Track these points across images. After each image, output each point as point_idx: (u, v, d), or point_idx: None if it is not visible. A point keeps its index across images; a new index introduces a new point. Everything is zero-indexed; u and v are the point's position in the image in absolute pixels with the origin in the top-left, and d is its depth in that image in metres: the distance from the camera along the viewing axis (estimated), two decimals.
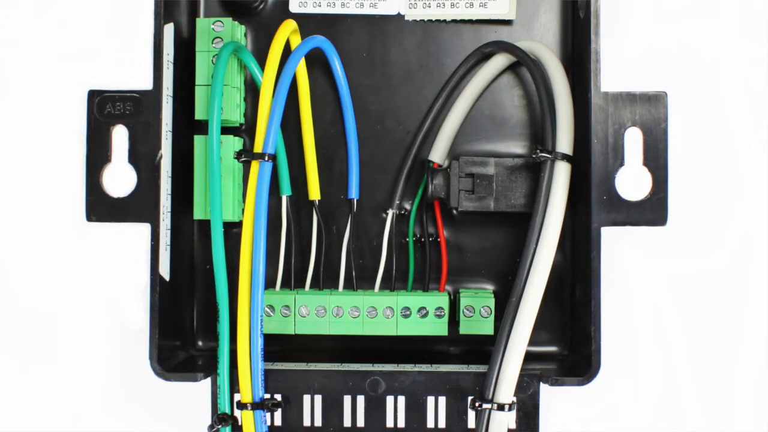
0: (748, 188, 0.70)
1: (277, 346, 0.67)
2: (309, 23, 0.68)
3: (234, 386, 0.63)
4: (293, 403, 0.64)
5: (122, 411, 0.71)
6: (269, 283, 0.66)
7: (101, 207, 0.65)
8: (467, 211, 0.65)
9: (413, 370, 0.64)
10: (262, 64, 0.64)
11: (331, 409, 0.64)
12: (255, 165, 0.62)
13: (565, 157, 0.63)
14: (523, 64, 0.66)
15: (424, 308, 0.66)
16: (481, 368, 0.64)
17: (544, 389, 0.64)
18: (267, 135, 0.62)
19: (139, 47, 0.68)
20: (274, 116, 0.62)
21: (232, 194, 0.66)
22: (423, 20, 0.68)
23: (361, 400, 0.64)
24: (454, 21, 0.68)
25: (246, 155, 0.63)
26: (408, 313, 0.66)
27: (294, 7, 0.68)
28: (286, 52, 0.64)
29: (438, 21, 0.68)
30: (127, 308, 0.71)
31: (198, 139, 0.66)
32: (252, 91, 0.68)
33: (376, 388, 0.64)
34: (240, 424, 0.63)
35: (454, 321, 0.67)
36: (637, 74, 0.69)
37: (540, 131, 0.66)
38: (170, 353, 0.65)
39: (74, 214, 0.69)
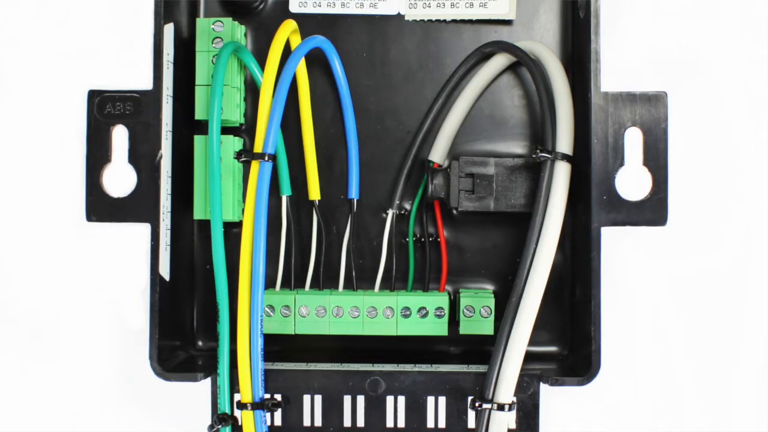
0: (748, 188, 0.70)
1: (277, 346, 0.67)
2: (309, 23, 0.68)
3: (234, 386, 0.63)
4: (293, 403, 0.64)
5: (122, 411, 0.71)
6: (269, 283, 0.66)
7: (101, 207, 0.65)
8: (467, 211, 0.65)
9: (413, 370, 0.64)
10: (262, 64, 0.64)
11: (331, 409, 0.64)
12: (255, 165, 0.62)
13: (565, 157, 0.63)
14: (523, 64, 0.66)
15: (424, 308, 0.66)
16: (481, 368, 0.64)
17: (544, 389, 0.64)
18: (267, 135, 0.62)
19: (139, 47, 0.68)
20: (274, 116, 0.62)
21: (232, 194, 0.66)
22: (423, 20, 0.68)
23: (361, 400, 0.64)
24: (454, 21, 0.68)
25: (246, 155, 0.63)
26: (408, 313, 0.66)
27: (294, 7, 0.68)
28: (286, 52, 0.64)
29: (438, 21, 0.68)
30: (128, 308, 0.71)
31: (198, 139, 0.66)
32: (252, 91, 0.68)
33: (376, 388, 0.64)
34: (240, 424, 0.63)
35: (454, 321, 0.67)
36: (637, 74, 0.69)
37: (540, 131, 0.66)
38: (170, 353, 0.65)
39: (74, 214, 0.69)
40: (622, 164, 0.64)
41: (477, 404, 0.62)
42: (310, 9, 0.68)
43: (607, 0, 0.65)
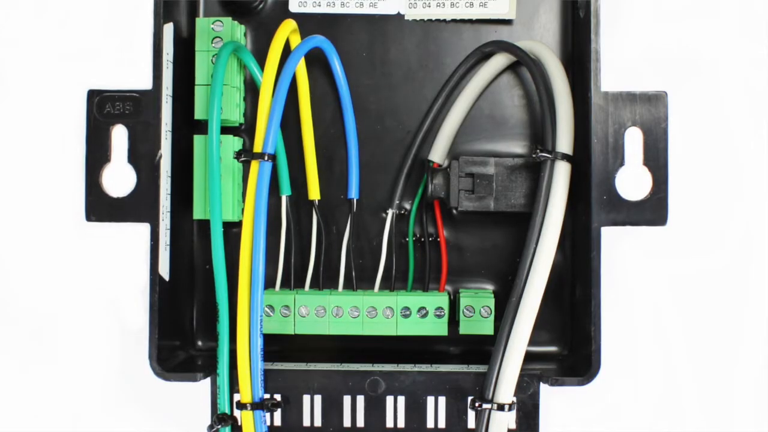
0: (748, 188, 0.70)
1: (276, 346, 0.67)
2: (309, 23, 0.68)
3: (234, 386, 0.63)
4: (293, 403, 0.64)
5: (122, 411, 0.71)
6: (269, 283, 0.66)
7: (101, 207, 0.65)
8: (467, 210, 0.65)
9: (413, 370, 0.64)
10: (261, 63, 0.64)
11: (331, 410, 0.64)
12: (255, 165, 0.62)
13: (565, 157, 0.63)
14: (523, 63, 0.66)
15: (423, 308, 0.66)
16: (481, 368, 0.64)
17: (544, 389, 0.64)
18: (267, 135, 0.62)
19: (139, 47, 0.68)
20: (273, 116, 0.62)
21: (232, 194, 0.66)
22: (423, 20, 0.68)
23: (360, 400, 0.64)
24: (454, 20, 0.68)
25: (246, 155, 0.63)
26: (408, 313, 0.66)
27: (294, 6, 0.68)
28: (286, 51, 0.64)
29: (438, 21, 0.68)
30: (127, 308, 0.71)
31: (198, 139, 0.66)
32: (252, 90, 0.68)
33: (375, 388, 0.64)
34: (240, 424, 0.63)
35: (453, 321, 0.67)
36: (637, 74, 0.69)
37: (540, 131, 0.66)
38: (170, 353, 0.65)
39: (74, 214, 0.69)
40: (622, 164, 0.64)
41: (477, 404, 0.62)
42: (309, 9, 0.68)
43: (607, 0, 0.65)
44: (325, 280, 0.67)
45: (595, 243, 0.63)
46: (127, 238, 0.70)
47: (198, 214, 0.66)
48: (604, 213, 0.63)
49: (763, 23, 0.70)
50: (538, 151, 0.63)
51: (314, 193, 0.67)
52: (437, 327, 0.66)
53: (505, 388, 0.62)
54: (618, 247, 0.69)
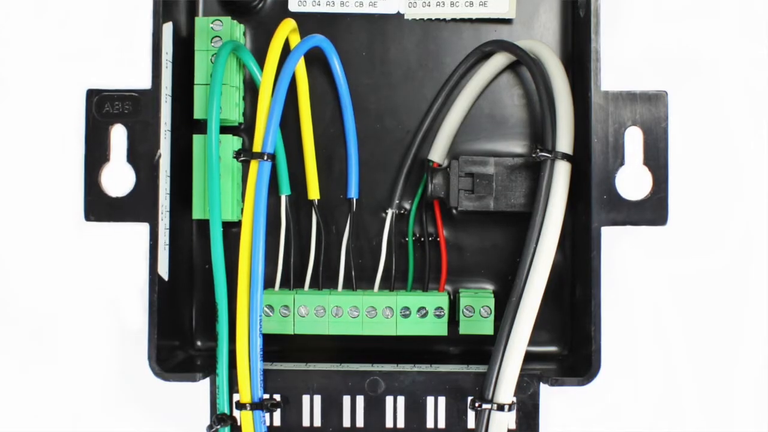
0: (748, 188, 0.70)
1: (276, 346, 0.67)
2: (308, 22, 0.68)
3: (233, 386, 0.63)
4: (292, 404, 0.64)
5: (121, 411, 0.71)
6: (268, 283, 0.66)
7: (100, 206, 0.65)
8: (467, 210, 0.65)
9: (413, 370, 0.64)
10: (261, 63, 0.64)
11: (331, 410, 0.64)
12: (254, 164, 0.62)
13: (565, 157, 0.63)
14: (523, 63, 0.66)
15: (423, 308, 0.66)
16: (481, 368, 0.64)
17: (544, 389, 0.64)
18: (266, 134, 0.62)
19: (138, 46, 0.68)
20: (273, 115, 0.62)
21: (231, 194, 0.65)
22: (423, 19, 0.68)
23: (360, 400, 0.64)
24: (453, 20, 0.68)
25: (245, 154, 0.63)
26: (407, 313, 0.66)
27: (293, 6, 0.68)
28: (286, 51, 0.64)
29: (438, 20, 0.68)
30: (127, 308, 0.70)
31: (197, 139, 0.65)
32: (251, 90, 0.68)
33: (375, 388, 0.64)
34: (239, 424, 0.63)
35: (453, 321, 0.67)
36: (638, 73, 0.69)
37: (540, 130, 0.66)
38: (169, 353, 0.65)
39: (73, 214, 0.69)
40: (622, 164, 0.64)
41: (477, 404, 0.62)
42: (309, 8, 0.68)
43: None
44: (324, 280, 0.67)
45: (595, 243, 0.63)
46: (126, 237, 0.70)
47: (197, 213, 0.66)
48: (604, 213, 0.63)
49: (763, 23, 0.70)
50: (538, 150, 0.63)
51: (314, 192, 0.67)
52: (437, 327, 0.66)
53: (505, 388, 0.62)
54: (618, 246, 0.68)
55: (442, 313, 0.66)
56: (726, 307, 0.70)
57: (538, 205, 0.62)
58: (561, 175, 0.63)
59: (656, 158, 0.64)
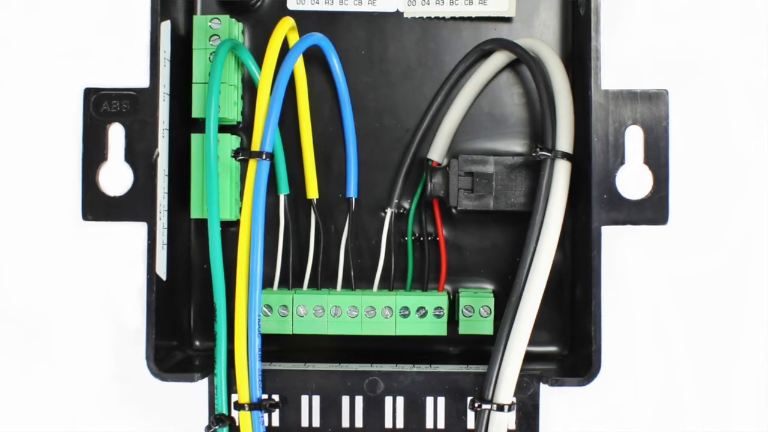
0: (749, 187, 0.70)
1: (274, 346, 0.67)
2: (307, 20, 0.67)
3: (231, 387, 0.63)
4: (291, 404, 0.64)
5: (119, 411, 0.71)
6: (267, 283, 0.66)
7: (97, 206, 0.65)
8: (466, 209, 0.65)
9: (412, 370, 0.64)
10: (259, 61, 0.64)
11: (329, 410, 0.64)
12: (252, 163, 0.62)
13: (565, 156, 0.63)
14: (522, 61, 0.66)
15: (423, 308, 0.66)
16: (481, 368, 0.64)
17: (544, 389, 0.64)
18: (265, 133, 0.62)
19: (136, 45, 0.68)
20: (271, 114, 0.62)
21: (230, 193, 0.65)
22: (422, 17, 0.68)
23: (359, 400, 0.64)
24: (453, 18, 0.68)
25: (243, 153, 0.63)
26: (407, 312, 0.66)
27: (292, 4, 0.68)
28: (284, 49, 0.64)
29: (437, 18, 0.68)
30: (124, 307, 0.70)
31: (195, 138, 0.65)
32: (249, 88, 0.68)
33: (374, 388, 0.64)
34: (237, 424, 0.63)
35: (453, 321, 0.67)
36: (638, 72, 0.69)
37: (540, 129, 0.66)
38: (167, 353, 0.65)
39: (70, 213, 0.69)
40: (622, 163, 0.63)
41: (476, 405, 0.62)
42: (307, 6, 0.68)
43: None
44: (323, 280, 0.67)
45: (595, 242, 0.63)
46: (124, 237, 0.70)
47: (195, 213, 0.66)
48: (605, 212, 0.63)
49: (763, 22, 0.70)
50: (538, 149, 0.63)
51: (312, 191, 0.67)
52: (436, 327, 0.66)
53: (505, 389, 0.61)
54: (618, 246, 0.68)
55: (442, 313, 0.66)
56: (727, 307, 0.70)
57: (538, 204, 0.62)
58: (561, 174, 0.63)
59: (657, 157, 0.64)
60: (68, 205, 0.69)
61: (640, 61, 0.69)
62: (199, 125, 0.66)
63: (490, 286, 0.68)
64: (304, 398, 0.64)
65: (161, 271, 0.64)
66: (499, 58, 0.67)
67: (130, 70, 0.69)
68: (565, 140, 0.63)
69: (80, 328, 0.71)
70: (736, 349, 0.70)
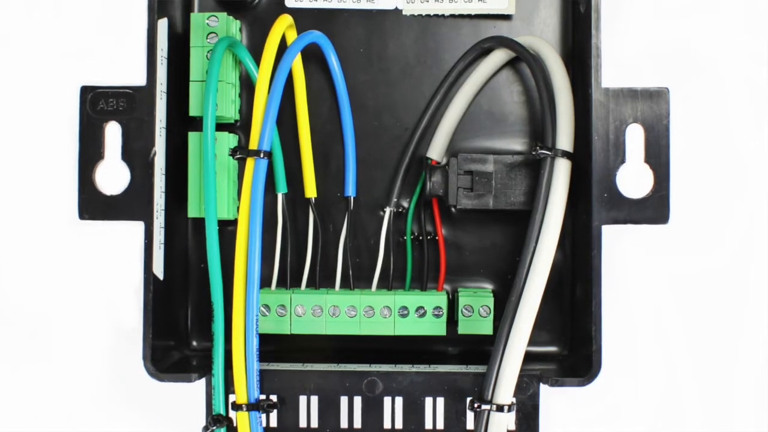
0: (750, 186, 0.70)
1: (272, 346, 0.67)
2: (305, 18, 0.67)
3: (229, 387, 0.63)
4: (289, 404, 0.64)
5: (116, 412, 0.71)
6: (264, 282, 0.66)
7: (94, 205, 0.64)
8: (466, 208, 0.65)
9: (411, 370, 0.64)
10: (257, 59, 0.64)
11: (328, 411, 0.64)
12: (250, 162, 0.62)
13: (565, 154, 0.63)
14: (522, 59, 0.66)
15: (422, 308, 0.66)
16: (480, 369, 0.64)
17: (544, 390, 0.64)
18: (262, 132, 0.62)
19: (133, 43, 0.68)
20: (269, 113, 0.62)
21: (227, 192, 0.65)
22: (421, 15, 0.68)
23: (358, 401, 0.64)
24: (452, 16, 0.68)
25: (241, 152, 0.63)
26: (406, 312, 0.65)
27: (290, 1, 0.68)
28: (282, 47, 0.64)
29: (436, 16, 0.68)
30: (121, 307, 0.70)
31: (192, 136, 0.65)
32: (247, 87, 0.68)
33: (373, 388, 0.64)
34: (235, 425, 0.62)
35: (452, 321, 0.67)
36: (639, 70, 0.69)
37: (540, 128, 0.66)
38: (164, 353, 0.65)
39: (67, 212, 0.68)
40: (623, 161, 0.63)
41: (476, 405, 0.62)
42: (306, 4, 0.68)
43: None
44: (321, 279, 0.67)
45: (595, 241, 0.62)
46: (121, 236, 0.70)
47: (193, 212, 0.65)
48: (605, 211, 0.63)
49: (765, 19, 0.70)
50: (537, 148, 0.62)
51: (311, 190, 0.67)
52: (435, 327, 0.66)
53: (505, 389, 0.61)
54: (619, 245, 0.68)
55: (441, 313, 0.66)
56: (727, 306, 0.70)
57: (537, 203, 0.62)
58: (561, 172, 0.62)
59: (657, 156, 0.64)
60: (64, 204, 0.69)
61: (640, 59, 0.69)
62: (197, 123, 0.66)
63: (489, 286, 0.68)
64: (302, 399, 0.64)
65: (158, 270, 0.64)
66: (499, 56, 0.67)
67: (126, 68, 0.69)
68: (565, 139, 0.63)
69: (77, 328, 0.71)
70: (737, 349, 0.70)
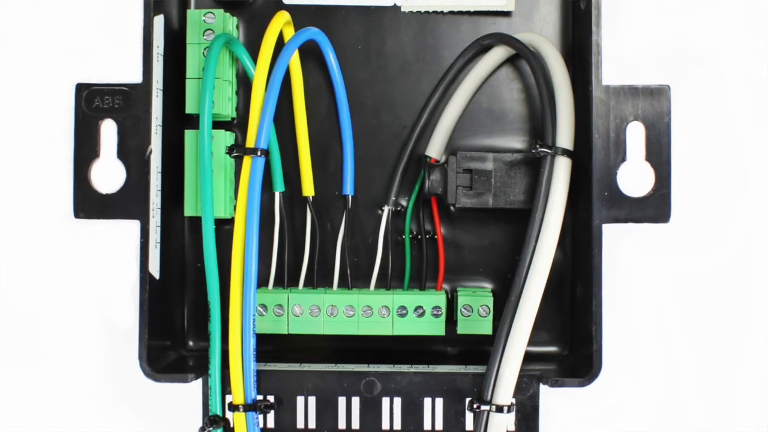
0: (751, 184, 0.70)
1: (269, 346, 0.67)
2: (302, 14, 0.67)
3: (225, 387, 0.63)
4: (286, 405, 0.64)
5: (111, 412, 0.71)
6: (262, 282, 0.66)
7: (89, 203, 0.64)
8: (465, 207, 0.65)
9: (410, 370, 0.64)
10: (254, 56, 0.64)
11: (326, 411, 0.64)
12: (247, 160, 0.62)
13: (565, 152, 0.63)
14: (522, 56, 0.65)
15: (420, 307, 0.66)
16: (480, 369, 0.64)
17: (544, 390, 0.64)
18: (259, 129, 0.61)
19: (129, 40, 0.68)
20: (266, 110, 0.61)
21: (224, 190, 0.65)
22: (420, 11, 0.67)
23: (356, 401, 0.64)
24: (451, 12, 0.67)
25: (238, 150, 0.62)
26: (404, 312, 0.65)
27: None
28: (279, 44, 0.64)
29: (435, 12, 0.67)
30: (117, 307, 0.70)
31: (189, 134, 0.65)
32: (244, 84, 0.68)
33: (371, 389, 0.64)
34: (232, 426, 0.62)
35: (451, 320, 0.67)
36: (640, 67, 0.69)
37: (540, 125, 0.66)
38: (160, 353, 0.65)
39: (62, 211, 0.69)
40: (623, 159, 0.63)
41: (475, 406, 0.62)
42: (303, 0, 0.67)
43: None
44: (319, 279, 0.67)
45: (596, 240, 0.62)
46: (117, 235, 0.70)
47: (189, 210, 0.65)
48: (606, 210, 0.63)
49: (765, 16, 0.70)
50: (537, 146, 0.62)
51: (308, 189, 0.67)
52: (434, 326, 0.66)
53: (504, 390, 0.61)
54: (619, 244, 0.68)
55: (440, 313, 0.66)
56: (729, 305, 0.70)
57: (537, 201, 0.62)
58: (561, 171, 0.62)
59: (659, 154, 0.64)
60: (59, 203, 0.69)
61: (641, 56, 0.69)
62: (193, 121, 0.66)
63: (489, 285, 0.68)
64: (300, 399, 0.64)
65: (154, 269, 0.63)
66: (498, 53, 0.67)
67: (122, 66, 0.69)
68: (565, 137, 0.63)
69: (72, 327, 0.70)
70: (739, 349, 0.70)
